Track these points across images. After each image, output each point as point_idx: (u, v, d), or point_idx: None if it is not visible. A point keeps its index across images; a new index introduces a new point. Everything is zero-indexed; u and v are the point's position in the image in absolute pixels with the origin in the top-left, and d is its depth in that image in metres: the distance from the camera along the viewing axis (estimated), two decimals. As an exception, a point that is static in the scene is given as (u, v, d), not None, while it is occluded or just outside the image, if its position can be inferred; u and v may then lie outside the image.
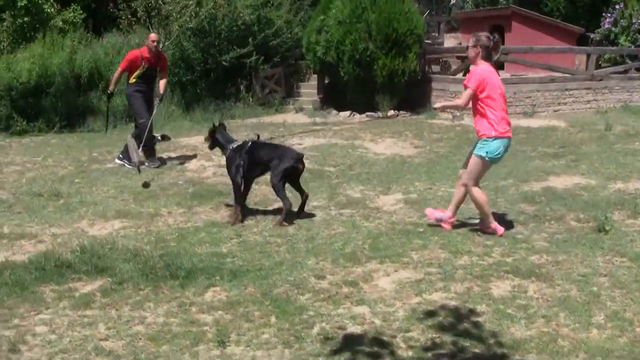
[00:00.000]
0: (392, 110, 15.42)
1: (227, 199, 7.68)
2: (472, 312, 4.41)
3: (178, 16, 14.88)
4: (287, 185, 6.82)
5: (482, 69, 6.03)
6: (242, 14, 15.74)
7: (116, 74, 9.89)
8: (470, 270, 5.22)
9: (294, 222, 6.65)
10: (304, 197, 6.90)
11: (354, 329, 4.17)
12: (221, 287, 4.88)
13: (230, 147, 6.89)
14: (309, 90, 17.59)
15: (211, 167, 9.66)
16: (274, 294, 4.71)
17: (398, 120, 14.56)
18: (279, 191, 6.68)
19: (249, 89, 16.42)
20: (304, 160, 6.98)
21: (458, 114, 14.61)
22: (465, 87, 6.12)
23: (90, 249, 5.63)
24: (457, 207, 6.43)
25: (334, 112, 15.69)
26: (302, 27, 17.30)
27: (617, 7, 19.14)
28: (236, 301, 4.59)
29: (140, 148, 9.31)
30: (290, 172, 6.69)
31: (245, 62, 16.09)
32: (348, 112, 15.48)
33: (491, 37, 6.06)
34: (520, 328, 4.17)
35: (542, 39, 18.30)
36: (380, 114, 15.22)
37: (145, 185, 8.09)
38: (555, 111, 15.96)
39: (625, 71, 17.35)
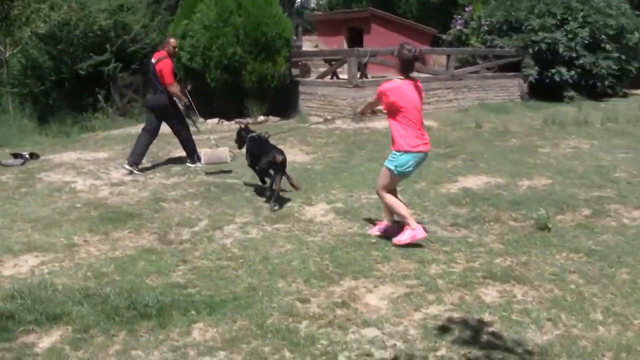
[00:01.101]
0: (262, 116, 15.31)
1: (141, 220, 7.22)
2: (481, 322, 4.43)
3: (27, 21, 13.74)
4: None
5: (389, 84, 6.02)
6: (97, 19, 14.88)
7: (176, 90, 9.82)
8: (448, 278, 5.26)
9: (243, 242, 6.36)
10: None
11: (380, 354, 4.03)
12: (205, 323, 4.51)
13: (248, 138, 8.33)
14: (170, 98, 17.03)
15: (104, 186, 9.02)
16: (270, 325, 4.44)
17: (271, 126, 14.45)
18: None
19: (108, 98, 15.59)
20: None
21: (330, 117, 15.01)
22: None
23: (29, 293, 5.00)
24: (391, 213, 6.40)
25: (201, 119, 15.25)
26: (159, 32, 16.75)
27: (466, 9, 20.38)
28: (234, 337, 4.27)
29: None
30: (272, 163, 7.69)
31: (102, 70, 15.24)
32: (216, 119, 15.17)
33: (413, 50, 5.90)
34: (536, 333, 4.26)
35: (399, 40, 18.87)
36: (250, 120, 15.03)
37: None
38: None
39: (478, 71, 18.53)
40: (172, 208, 7.73)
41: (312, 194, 8.28)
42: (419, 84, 6.17)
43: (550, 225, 6.51)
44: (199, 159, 10.02)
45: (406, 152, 5.99)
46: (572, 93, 18.66)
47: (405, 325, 4.43)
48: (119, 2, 16.08)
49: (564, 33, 18.45)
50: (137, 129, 14.44)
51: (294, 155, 11.10)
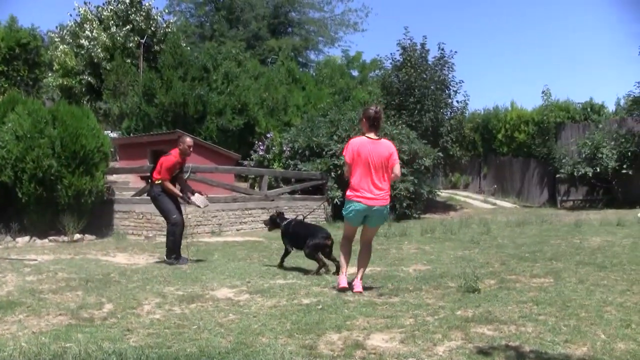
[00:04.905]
0: (78, 234, 14.22)
1: (29, 307, 6.22)
2: (515, 348, 4.42)
3: None
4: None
5: (353, 141, 6.95)
6: None
7: (171, 187, 9.87)
8: (432, 325, 5.22)
9: (176, 316, 5.73)
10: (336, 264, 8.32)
11: None
12: None
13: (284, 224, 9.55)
14: (-42, 219, 15.21)
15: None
16: None
17: (95, 243, 13.49)
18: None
19: None
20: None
21: (151, 235, 14.49)
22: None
23: None
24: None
25: (8, 238, 13.73)
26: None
27: (268, 135, 21.22)
28: None
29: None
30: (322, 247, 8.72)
31: None
32: (27, 238, 13.74)
33: (374, 109, 6.95)
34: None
35: (205, 163, 19.13)
36: (66, 237, 13.88)
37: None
38: (237, 230, 16.61)
39: (292, 192, 19.12)
40: (56, 297, 6.81)
41: (202, 284, 7.76)
42: (385, 141, 7.00)
43: (480, 287, 6.73)
44: (177, 259, 9.86)
45: (348, 199, 6.95)
46: (373, 214, 19.81)
47: (442, 355, 4.27)
48: None
49: (363, 158, 19.81)
50: None
51: (145, 259, 10.45)
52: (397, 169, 6.98)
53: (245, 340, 4.76)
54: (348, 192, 6.94)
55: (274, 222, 9.85)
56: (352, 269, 7.45)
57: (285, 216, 10.01)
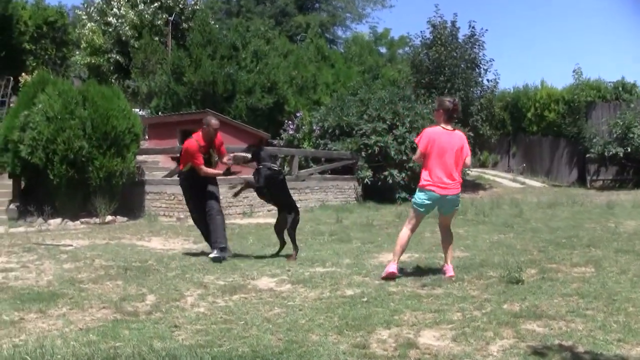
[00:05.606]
0: (110, 216, 14.31)
1: (72, 298, 6.28)
2: (570, 348, 4.38)
3: None
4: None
5: (428, 130, 7.12)
6: None
7: (209, 170, 9.05)
8: (481, 321, 5.20)
9: (222, 309, 5.77)
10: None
11: None
12: None
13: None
14: (-12, 200, 15.40)
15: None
16: None
17: (127, 225, 13.58)
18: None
19: None
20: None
21: (182, 217, 14.53)
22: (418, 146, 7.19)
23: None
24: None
25: (40, 220, 13.83)
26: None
27: (298, 114, 21.14)
28: None
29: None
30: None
31: None
32: (59, 220, 13.84)
33: (451, 101, 7.06)
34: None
35: (234, 143, 19.12)
36: (98, 219, 13.98)
37: None
38: (269, 211, 16.61)
39: (323, 172, 19.08)
40: (97, 288, 6.84)
41: (242, 272, 7.78)
42: (459, 132, 7.21)
43: (523, 279, 6.69)
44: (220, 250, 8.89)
45: (421, 188, 7.09)
46: (403, 194, 19.69)
47: (496, 355, 4.24)
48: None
49: (394, 137, 19.68)
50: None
51: (181, 245, 10.51)
52: (468, 160, 7.25)
53: (296, 337, 4.76)
54: (422, 182, 7.07)
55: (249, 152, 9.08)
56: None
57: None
